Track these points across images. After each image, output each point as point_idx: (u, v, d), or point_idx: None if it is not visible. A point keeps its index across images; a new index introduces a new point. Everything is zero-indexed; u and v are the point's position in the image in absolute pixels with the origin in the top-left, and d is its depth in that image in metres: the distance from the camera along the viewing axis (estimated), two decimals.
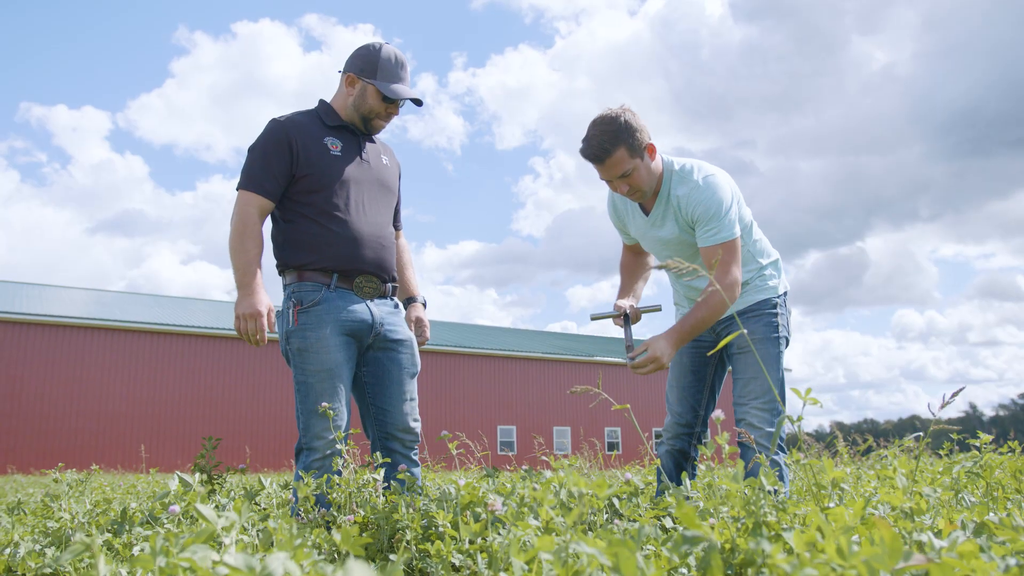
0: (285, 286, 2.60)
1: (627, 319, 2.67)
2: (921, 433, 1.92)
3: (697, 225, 2.55)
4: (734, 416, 2.61)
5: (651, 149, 2.54)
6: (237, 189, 2.56)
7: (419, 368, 2.74)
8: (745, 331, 1.41)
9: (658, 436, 3.03)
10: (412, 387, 2.69)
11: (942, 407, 1.76)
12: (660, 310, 2.80)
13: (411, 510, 2.02)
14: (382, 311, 2.64)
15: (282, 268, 2.61)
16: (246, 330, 2.42)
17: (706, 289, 2.50)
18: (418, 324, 2.85)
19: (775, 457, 2.52)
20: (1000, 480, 2.02)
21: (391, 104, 2.63)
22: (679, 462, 2.78)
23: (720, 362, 2.82)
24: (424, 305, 2.91)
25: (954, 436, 2.72)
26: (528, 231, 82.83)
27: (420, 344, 2.84)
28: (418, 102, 2.65)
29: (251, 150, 2.59)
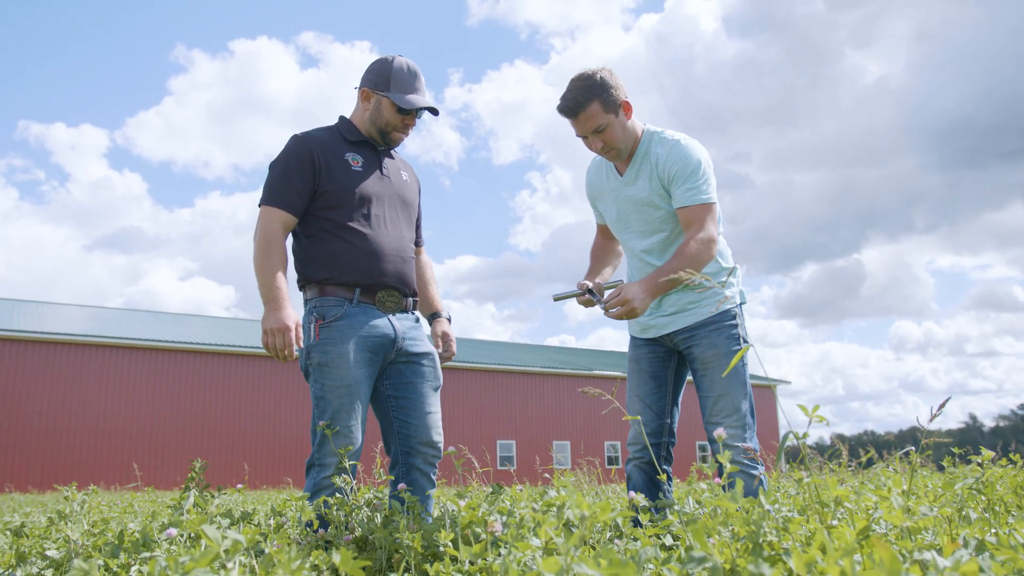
0: (306, 301, 2.59)
1: (592, 294, 2.61)
2: (913, 448, 1.92)
3: (674, 183, 2.55)
4: (707, 436, 2.57)
5: (627, 107, 2.57)
6: (260, 205, 2.55)
7: (441, 382, 2.72)
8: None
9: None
10: (435, 401, 2.67)
11: (931, 420, 1.76)
12: (622, 282, 2.73)
13: (411, 530, 2.01)
14: (404, 325, 2.63)
15: (303, 283, 2.60)
16: (274, 345, 2.40)
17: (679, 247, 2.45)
18: (444, 339, 2.84)
19: (755, 472, 2.48)
20: (1001, 496, 2.02)
21: (407, 115, 2.64)
22: (650, 476, 2.69)
23: (679, 367, 2.77)
24: (449, 320, 2.90)
25: (956, 450, 2.73)
26: (525, 245, 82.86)
27: (448, 359, 2.84)
28: (434, 111, 2.66)
29: (273, 166, 2.59)
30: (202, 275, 71.56)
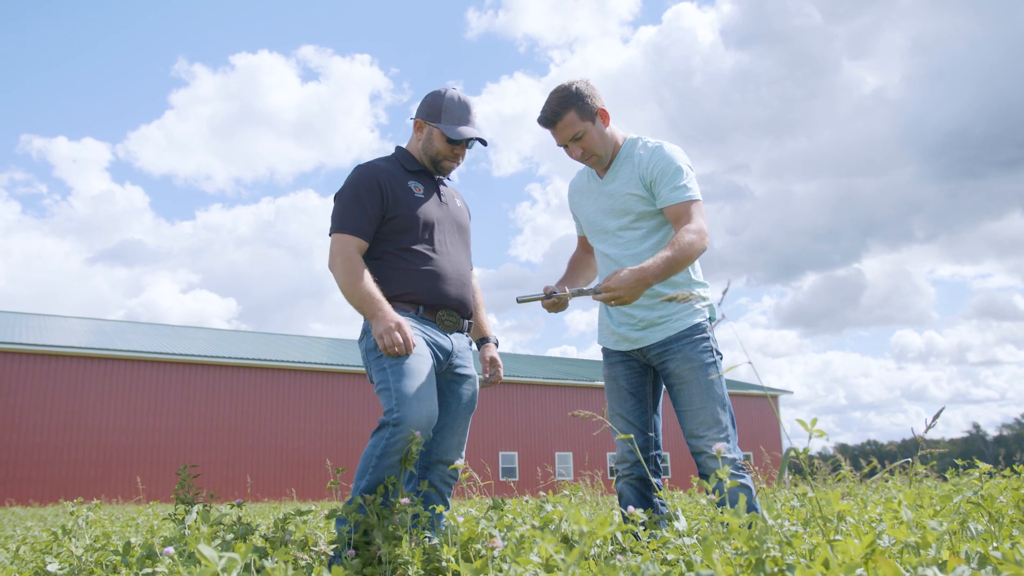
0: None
1: (556, 294, 2.60)
2: (910, 460, 1.92)
3: (658, 183, 2.58)
4: (690, 450, 2.54)
5: (603, 114, 2.64)
6: (332, 233, 2.62)
7: (476, 406, 2.79)
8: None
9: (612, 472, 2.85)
10: (464, 424, 2.74)
11: (926, 430, 1.76)
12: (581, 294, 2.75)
13: (413, 545, 2.01)
14: (460, 344, 2.73)
15: None
16: (393, 341, 2.42)
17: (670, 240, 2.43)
18: (492, 363, 2.93)
19: (744, 481, 2.47)
20: (1002, 509, 2.01)
21: (457, 145, 2.74)
22: (642, 492, 2.69)
23: (655, 379, 2.77)
24: (496, 345, 2.99)
25: (960, 462, 2.72)
26: (526, 257, 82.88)
27: (495, 383, 2.91)
28: (483, 142, 2.76)
29: (340, 196, 2.67)
30: (204, 287, 71.69)
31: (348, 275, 2.53)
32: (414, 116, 2.79)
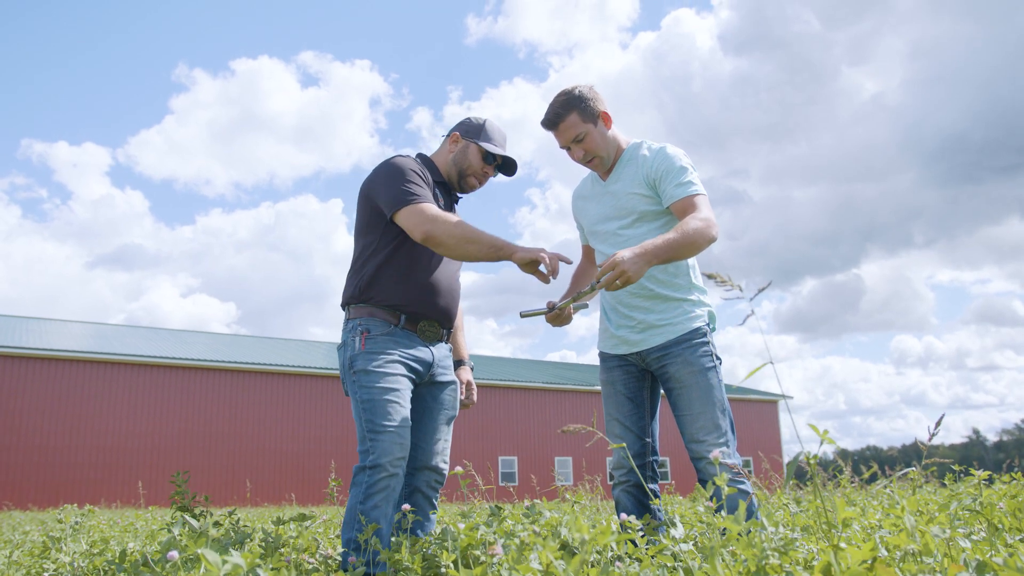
0: (350, 319, 2.64)
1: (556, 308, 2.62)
2: (912, 468, 1.92)
3: (663, 181, 2.62)
4: (689, 455, 2.53)
5: (605, 116, 2.70)
6: (408, 205, 2.51)
7: (457, 412, 2.81)
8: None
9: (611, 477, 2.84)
10: (447, 430, 2.76)
11: (930, 439, 1.76)
12: (587, 308, 2.72)
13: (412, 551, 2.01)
14: (440, 353, 2.75)
15: (354, 300, 2.65)
16: (554, 267, 2.39)
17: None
18: (467, 387, 2.95)
19: (743, 487, 2.46)
20: (1001, 517, 2.01)
21: (488, 165, 2.81)
22: (639, 499, 2.67)
23: (653, 384, 2.76)
24: (472, 369, 3.02)
25: (956, 467, 2.73)
26: None
27: (467, 407, 2.95)
28: (513, 169, 2.86)
29: (399, 174, 2.58)
30: (203, 292, 71.61)
31: (462, 229, 2.44)
32: (449, 132, 2.86)
